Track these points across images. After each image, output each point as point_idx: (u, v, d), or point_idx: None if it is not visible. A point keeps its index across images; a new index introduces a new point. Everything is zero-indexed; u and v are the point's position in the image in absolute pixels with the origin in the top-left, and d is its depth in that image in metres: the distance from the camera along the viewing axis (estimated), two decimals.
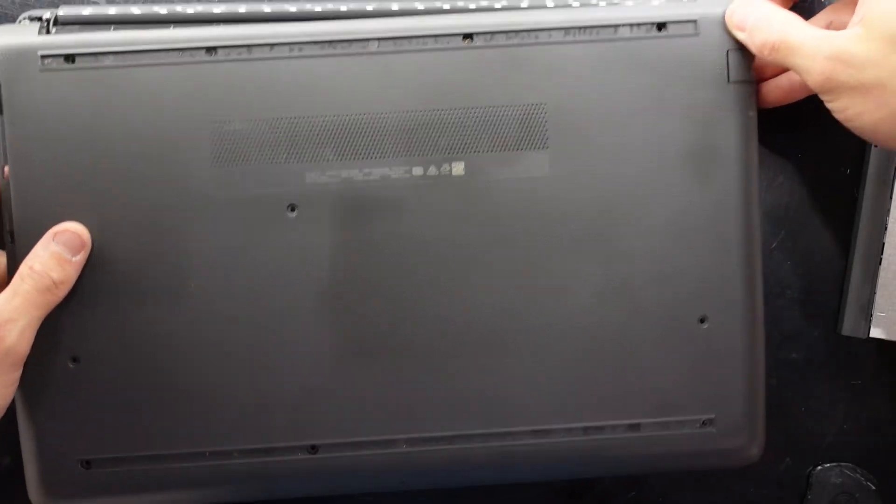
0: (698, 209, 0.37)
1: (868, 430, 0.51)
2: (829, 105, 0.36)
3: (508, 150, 0.37)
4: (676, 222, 0.37)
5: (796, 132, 0.49)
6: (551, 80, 0.36)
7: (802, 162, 0.50)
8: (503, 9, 0.38)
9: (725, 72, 0.37)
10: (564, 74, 0.36)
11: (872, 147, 0.48)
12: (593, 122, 0.37)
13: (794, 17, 0.36)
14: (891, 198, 0.47)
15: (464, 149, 0.36)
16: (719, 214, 0.37)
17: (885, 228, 0.47)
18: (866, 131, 0.36)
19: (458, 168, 0.36)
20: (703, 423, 0.38)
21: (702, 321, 0.38)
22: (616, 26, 0.36)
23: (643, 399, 0.37)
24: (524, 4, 0.38)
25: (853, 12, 0.36)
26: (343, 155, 0.36)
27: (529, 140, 0.37)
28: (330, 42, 0.36)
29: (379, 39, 0.36)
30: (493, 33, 0.36)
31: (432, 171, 0.36)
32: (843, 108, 0.35)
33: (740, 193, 0.38)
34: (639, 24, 0.36)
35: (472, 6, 0.38)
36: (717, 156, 0.37)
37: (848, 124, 0.36)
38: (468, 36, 0.36)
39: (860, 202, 0.48)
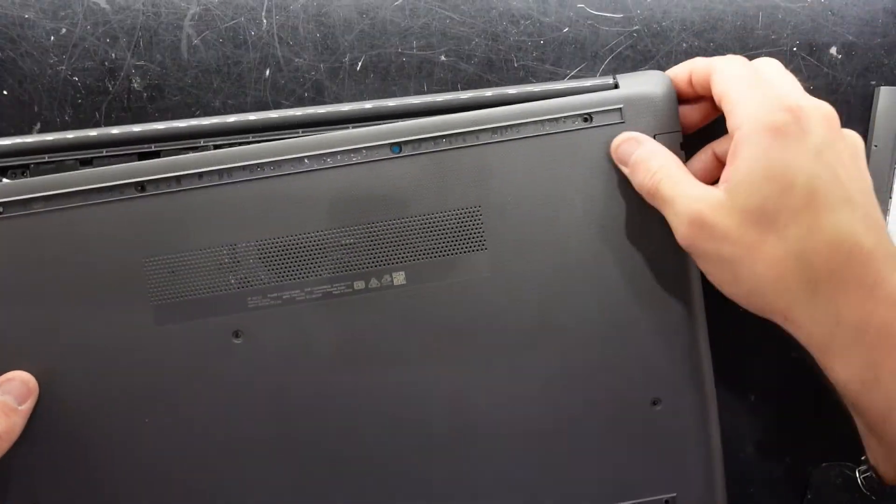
0: (641, 294, 0.37)
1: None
2: (703, 267, 0.35)
3: (447, 255, 0.37)
4: (620, 309, 0.38)
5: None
6: (483, 182, 0.36)
7: None
8: (429, 108, 0.38)
9: None
10: (496, 174, 0.36)
11: (872, 147, 0.48)
12: (529, 218, 0.37)
13: (673, 163, 0.35)
14: (890, 197, 0.47)
15: (403, 258, 0.36)
16: (663, 297, 0.37)
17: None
18: (734, 298, 0.34)
19: (399, 278, 0.36)
20: (666, 502, 0.38)
21: (654, 403, 0.38)
22: (542, 122, 0.37)
23: (604, 484, 0.38)
24: (443, 98, 0.39)
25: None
26: (283, 276, 0.35)
27: (467, 243, 0.37)
28: (258, 165, 0.36)
29: (308, 157, 0.36)
30: (420, 141, 0.36)
31: (374, 283, 0.36)
32: (707, 273, 0.34)
33: (682, 274, 0.38)
34: (565, 118, 0.37)
35: (397, 104, 0.39)
36: (655, 239, 0.37)
37: (715, 286, 0.34)
38: (396, 146, 0.36)
39: None
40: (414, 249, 0.36)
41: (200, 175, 0.35)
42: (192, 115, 0.50)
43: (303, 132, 0.38)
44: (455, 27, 0.50)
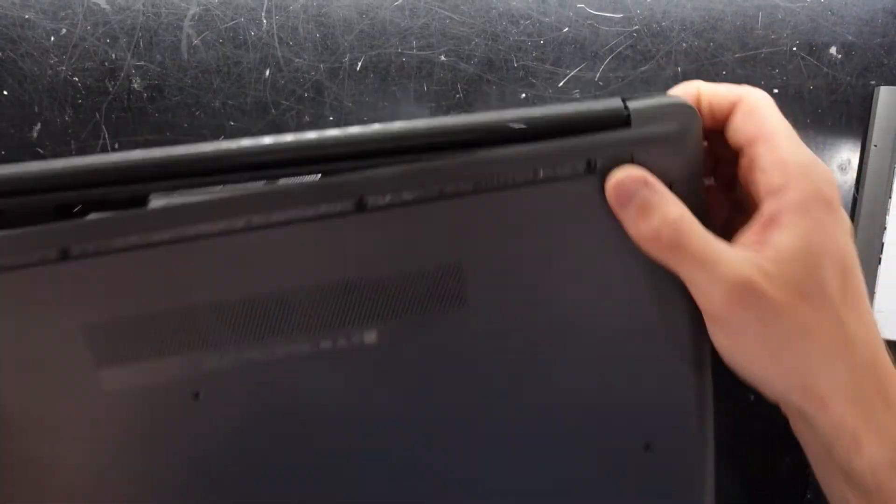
0: (640, 340, 0.34)
1: None
2: (712, 334, 0.30)
3: (422, 311, 0.33)
4: (615, 361, 0.34)
5: (795, 131, 0.50)
6: (464, 238, 0.31)
7: None
8: (399, 144, 0.31)
9: None
10: (479, 229, 0.31)
11: (872, 147, 0.48)
12: (517, 275, 0.32)
13: (689, 215, 0.29)
14: (889, 197, 0.47)
15: (374, 317, 0.32)
16: (665, 345, 0.34)
17: (885, 228, 0.47)
18: (752, 378, 0.30)
19: (370, 336, 0.33)
20: None
21: (647, 448, 0.36)
22: (535, 169, 0.30)
23: None
24: (414, 130, 0.31)
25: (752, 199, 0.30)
26: (244, 336, 0.32)
27: (444, 299, 0.33)
28: (198, 232, 0.32)
29: (262, 213, 0.31)
30: (389, 194, 0.30)
31: (342, 342, 0.33)
32: (731, 347, 0.29)
33: (687, 322, 0.33)
34: (562, 164, 0.30)
35: (360, 137, 0.31)
36: (659, 300, 0.33)
37: (728, 360, 0.30)
38: (361, 203, 0.31)
39: (859, 202, 0.48)
40: (386, 308, 0.32)
41: (131, 238, 0.31)
42: (192, 115, 0.50)
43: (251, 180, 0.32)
44: (455, 27, 0.50)
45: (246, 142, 0.31)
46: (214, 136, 0.50)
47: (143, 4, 0.48)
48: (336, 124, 0.51)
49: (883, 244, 0.47)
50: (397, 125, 0.30)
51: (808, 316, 0.28)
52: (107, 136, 0.50)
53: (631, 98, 0.30)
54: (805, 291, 0.28)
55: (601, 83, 0.51)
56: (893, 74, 0.51)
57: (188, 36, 0.49)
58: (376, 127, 0.30)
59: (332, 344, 0.32)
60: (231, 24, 0.49)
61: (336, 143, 0.30)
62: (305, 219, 0.31)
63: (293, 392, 0.32)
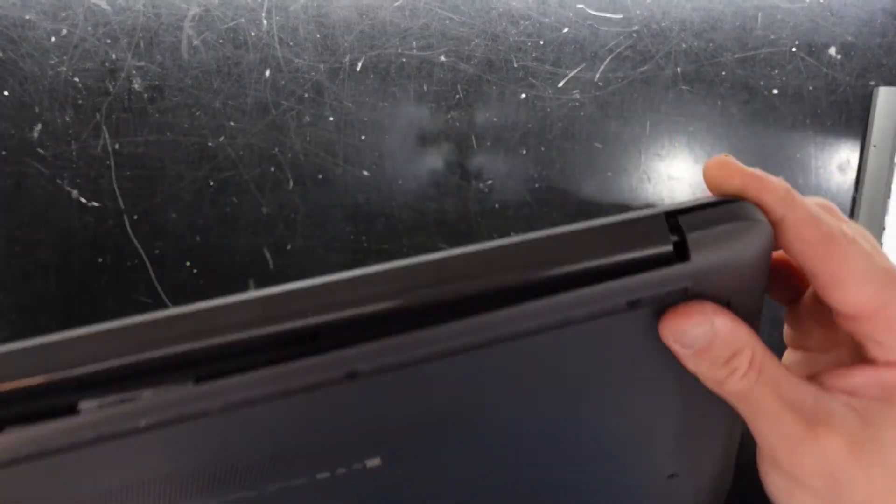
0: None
1: None
2: (764, 474, 0.26)
3: (428, 441, 0.29)
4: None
5: (795, 132, 0.50)
6: (473, 390, 0.27)
7: (801, 162, 0.50)
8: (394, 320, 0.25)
9: None
10: (493, 379, 0.27)
11: (871, 147, 0.48)
12: (531, 416, 0.28)
13: (767, 349, 0.25)
14: (888, 198, 0.47)
15: (376, 449, 0.29)
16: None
17: (884, 228, 0.47)
18: None
19: (374, 462, 0.30)
20: None
21: (671, 476, 0.31)
22: (566, 318, 0.25)
23: None
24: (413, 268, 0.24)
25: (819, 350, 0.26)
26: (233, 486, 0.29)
27: (454, 433, 0.29)
28: (179, 416, 0.25)
29: (244, 396, 0.26)
30: (383, 362, 0.26)
31: (340, 470, 0.30)
32: (788, 496, 0.25)
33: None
34: (598, 308, 0.24)
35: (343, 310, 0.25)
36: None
37: (776, 501, 0.27)
38: (352, 375, 0.26)
39: (858, 202, 0.49)
40: (388, 437, 0.29)
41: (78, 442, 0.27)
42: (192, 115, 0.50)
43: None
44: (455, 28, 0.50)
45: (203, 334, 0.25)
46: (215, 137, 0.50)
47: (144, 5, 0.49)
48: (336, 125, 0.51)
49: (882, 244, 0.47)
50: (401, 292, 0.24)
51: (882, 486, 0.23)
52: (107, 136, 0.50)
53: (685, 210, 0.23)
54: (886, 462, 0.23)
55: (601, 83, 0.51)
56: (893, 75, 0.51)
57: (188, 36, 0.49)
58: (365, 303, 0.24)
59: (330, 473, 0.29)
60: (231, 24, 0.49)
61: (319, 324, 0.24)
62: (287, 393, 0.26)
63: None
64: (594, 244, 0.23)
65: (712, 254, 0.23)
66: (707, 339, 0.24)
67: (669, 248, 0.23)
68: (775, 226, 0.23)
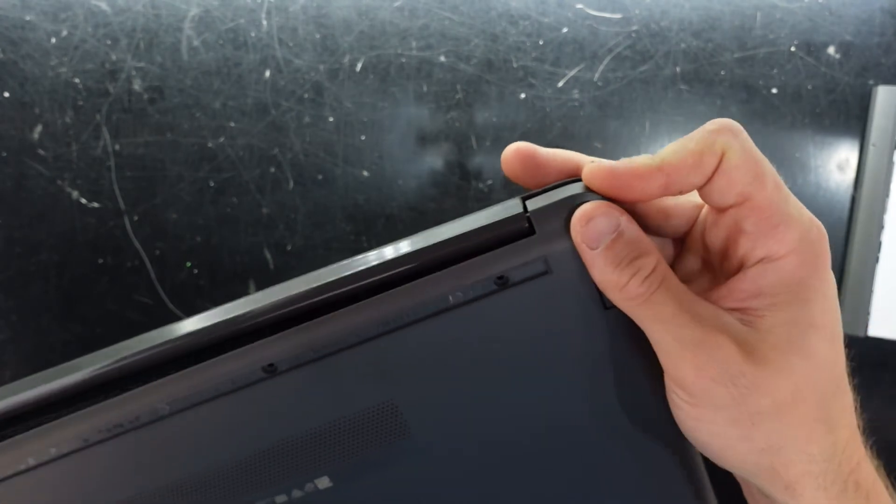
0: (603, 429, 0.32)
1: (867, 430, 0.51)
2: (671, 399, 0.26)
3: (370, 450, 0.32)
4: (582, 449, 0.32)
5: (794, 131, 0.50)
6: (388, 376, 0.30)
7: (800, 161, 0.50)
8: (299, 307, 0.29)
9: (599, 299, 0.27)
10: (401, 365, 0.29)
11: (870, 146, 0.48)
12: (455, 399, 0.31)
13: (665, 265, 0.26)
14: (888, 196, 0.47)
15: (322, 464, 0.32)
16: (634, 424, 0.32)
17: (882, 227, 0.47)
18: (712, 452, 0.27)
19: (323, 482, 0.32)
20: None
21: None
22: (445, 297, 0.27)
23: None
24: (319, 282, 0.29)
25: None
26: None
27: (388, 435, 0.31)
28: (116, 427, 0.30)
29: (169, 403, 0.30)
30: (297, 358, 0.29)
31: (296, 493, 0.32)
32: (692, 420, 0.26)
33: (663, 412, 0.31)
34: (472, 286, 0.27)
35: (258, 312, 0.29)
36: (616, 388, 0.30)
37: (688, 432, 0.27)
38: (270, 367, 0.29)
39: (857, 201, 0.49)
40: (331, 455, 0.32)
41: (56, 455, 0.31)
42: (192, 116, 0.50)
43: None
44: (454, 28, 0.50)
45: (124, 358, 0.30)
46: (215, 137, 0.50)
47: (144, 6, 0.49)
48: (336, 125, 0.51)
49: (881, 243, 0.47)
50: (288, 290, 0.29)
51: (787, 393, 0.24)
52: (107, 137, 0.50)
53: (531, 196, 0.27)
54: (789, 367, 0.24)
55: (600, 83, 0.51)
56: (891, 74, 0.51)
57: (188, 37, 0.49)
58: (273, 296, 0.29)
59: (286, 497, 0.31)
60: (231, 25, 0.49)
61: (227, 323, 0.28)
62: (217, 395, 0.29)
63: None
64: (458, 231, 0.27)
65: (552, 225, 0.26)
66: (613, 232, 0.25)
67: (523, 224, 0.26)
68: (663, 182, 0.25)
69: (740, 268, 0.26)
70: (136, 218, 0.51)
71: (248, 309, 0.29)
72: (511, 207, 0.27)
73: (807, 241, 0.25)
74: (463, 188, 0.52)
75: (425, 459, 0.31)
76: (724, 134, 0.24)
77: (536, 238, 0.26)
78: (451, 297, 0.27)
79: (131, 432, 0.30)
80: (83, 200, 0.50)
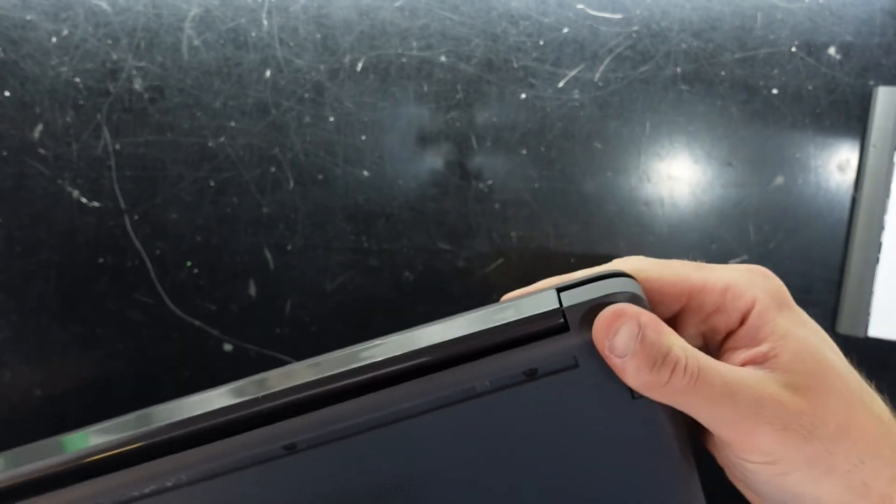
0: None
1: None
2: (741, 467, 0.27)
3: None
4: None
5: (794, 132, 0.50)
6: (407, 457, 0.30)
7: (801, 162, 0.50)
8: (327, 392, 0.29)
9: (626, 390, 0.28)
10: (422, 449, 0.29)
11: (871, 147, 0.48)
12: (479, 482, 0.31)
13: (695, 350, 0.26)
14: (888, 197, 0.47)
15: None
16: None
17: (883, 228, 0.47)
18: (783, 501, 0.27)
19: None
20: None
21: None
22: (472, 387, 0.28)
23: None
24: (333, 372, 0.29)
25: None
26: None
27: None
28: (132, 494, 0.31)
29: (187, 475, 0.30)
30: (318, 438, 0.29)
31: None
32: (769, 477, 0.26)
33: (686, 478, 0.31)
34: (501, 378, 0.28)
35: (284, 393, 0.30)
36: (643, 473, 0.31)
37: (763, 490, 0.27)
38: (290, 446, 0.29)
39: (858, 202, 0.49)
40: None
41: None
42: (193, 115, 0.50)
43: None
44: (455, 28, 0.50)
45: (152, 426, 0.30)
46: (215, 137, 0.50)
47: (144, 6, 0.49)
48: (336, 125, 0.51)
49: (881, 244, 0.47)
50: (317, 370, 0.29)
51: (842, 413, 0.25)
52: (108, 136, 0.50)
53: (567, 288, 0.27)
54: (829, 390, 0.25)
55: (601, 83, 0.51)
56: (892, 74, 0.51)
57: (189, 37, 0.49)
58: (301, 374, 0.29)
59: None
60: (231, 25, 0.49)
61: (253, 403, 0.28)
62: (235, 469, 0.30)
63: None
64: (494, 324, 0.27)
65: (589, 323, 0.26)
66: (637, 338, 0.25)
67: (558, 320, 0.26)
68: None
69: (728, 333, 0.28)
70: (136, 217, 0.51)
71: (275, 388, 0.29)
72: (546, 300, 0.26)
73: (762, 288, 0.28)
74: (463, 188, 0.52)
75: None
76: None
77: (570, 335, 0.26)
78: (477, 387, 0.27)
79: (147, 499, 0.30)
80: (83, 200, 0.50)
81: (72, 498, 0.31)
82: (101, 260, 0.51)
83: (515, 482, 0.30)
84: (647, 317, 0.25)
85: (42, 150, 0.50)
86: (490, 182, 0.52)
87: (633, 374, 0.25)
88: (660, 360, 0.25)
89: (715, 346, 0.28)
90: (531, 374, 0.27)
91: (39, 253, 0.51)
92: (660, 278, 0.28)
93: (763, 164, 0.50)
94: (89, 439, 0.31)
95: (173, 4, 0.49)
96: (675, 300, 0.28)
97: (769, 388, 0.25)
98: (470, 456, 0.30)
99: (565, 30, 0.50)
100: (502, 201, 0.52)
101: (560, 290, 0.27)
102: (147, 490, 0.30)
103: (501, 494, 0.30)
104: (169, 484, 0.30)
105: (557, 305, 0.26)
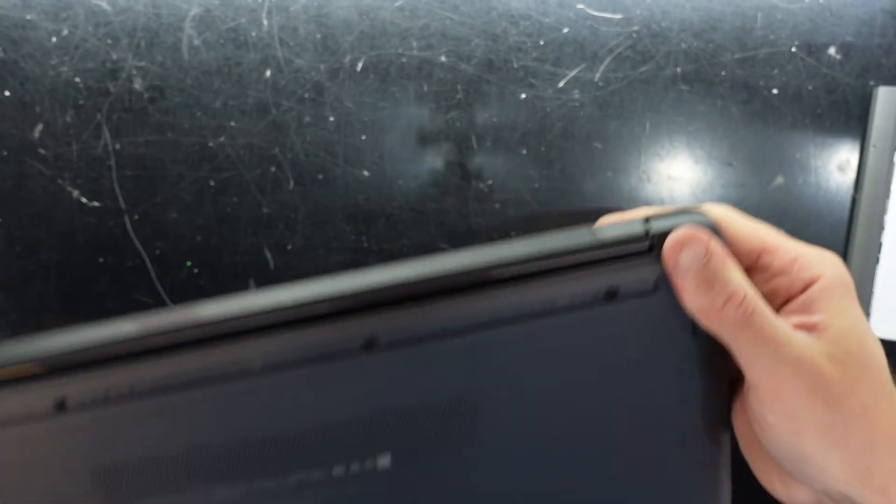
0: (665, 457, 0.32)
1: None
2: (762, 416, 0.28)
3: (437, 440, 0.32)
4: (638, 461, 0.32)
5: (794, 132, 0.50)
6: (477, 373, 0.30)
7: (801, 162, 0.50)
8: (408, 295, 0.29)
9: (689, 324, 0.29)
10: (490, 365, 0.30)
11: (871, 147, 0.48)
12: (533, 407, 0.31)
13: (754, 292, 0.28)
14: (888, 198, 0.47)
15: (386, 444, 0.32)
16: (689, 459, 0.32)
17: (883, 228, 0.47)
18: (803, 468, 0.28)
19: (384, 461, 0.33)
20: None
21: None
22: (553, 300, 0.28)
23: None
24: (418, 272, 0.29)
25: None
26: (254, 471, 0.32)
27: (459, 430, 0.32)
28: (205, 378, 0.31)
29: (263, 361, 0.30)
30: (396, 336, 0.30)
31: (355, 468, 0.33)
32: (785, 434, 0.27)
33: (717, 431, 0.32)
34: (582, 295, 0.28)
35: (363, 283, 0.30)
36: (687, 410, 0.31)
37: (777, 449, 0.28)
38: (369, 343, 0.30)
39: (858, 202, 0.49)
40: (398, 437, 0.32)
41: (131, 390, 0.31)
42: (193, 115, 0.50)
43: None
44: (455, 28, 0.50)
45: (246, 299, 0.29)
46: (215, 137, 0.50)
47: (145, 5, 0.49)
48: (336, 125, 0.51)
49: (881, 244, 0.47)
50: (407, 268, 0.29)
51: (868, 397, 0.26)
52: (108, 136, 0.50)
53: (654, 217, 0.28)
54: (864, 371, 0.27)
55: (601, 83, 0.51)
56: (892, 75, 0.51)
57: (189, 37, 0.49)
58: (386, 272, 0.29)
59: (344, 469, 0.32)
60: (232, 24, 0.49)
61: (341, 294, 0.28)
62: (310, 362, 0.30)
63: None
64: (579, 242, 0.28)
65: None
66: (701, 259, 0.27)
67: (645, 244, 0.28)
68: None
69: (787, 299, 0.29)
70: (136, 217, 0.51)
71: (360, 283, 0.29)
72: (634, 225, 0.28)
73: (831, 267, 0.29)
74: (463, 188, 0.52)
75: (488, 456, 0.32)
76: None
77: (652, 258, 0.28)
78: (558, 303, 0.28)
79: (217, 384, 0.30)
80: (83, 200, 0.50)
81: (140, 371, 0.31)
82: (101, 260, 0.51)
83: (568, 405, 0.31)
84: (716, 245, 0.27)
85: (42, 150, 0.50)
86: (490, 182, 0.52)
87: (691, 293, 0.27)
88: (718, 285, 0.27)
89: (772, 308, 0.29)
90: (611, 295, 0.28)
91: (39, 253, 0.51)
92: (740, 229, 0.29)
93: (763, 165, 0.50)
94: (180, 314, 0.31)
95: (173, 4, 0.49)
96: (748, 254, 0.29)
97: (810, 352, 0.26)
98: (533, 379, 0.30)
99: (565, 30, 0.50)
100: (502, 201, 0.52)
101: (648, 218, 0.28)
102: (218, 373, 0.30)
103: (553, 416, 0.31)
104: (240, 370, 0.30)
105: (644, 230, 0.27)
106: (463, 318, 0.29)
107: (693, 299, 0.27)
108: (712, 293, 0.27)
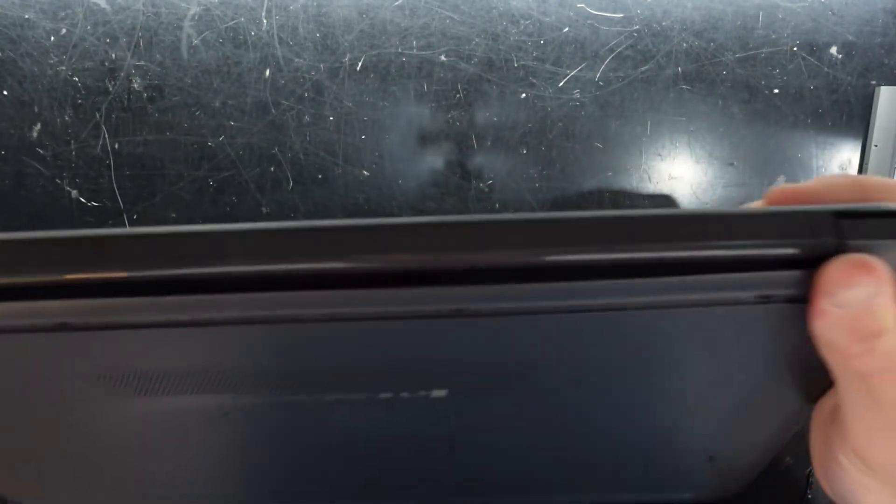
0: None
1: None
2: (854, 472, 0.25)
3: (501, 386, 0.29)
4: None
5: (796, 132, 0.50)
6: (573, 352, 0.27)
7: (802, 162, 0.50)
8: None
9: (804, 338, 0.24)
10: (585, 343, 0.26)
11: (872, 147, 0.48)
12: (615, 386, 0.28)
13: None
14: None
15: (445, 384, 0.29)
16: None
17: None
18: (842, 498, 0.25)
19: (439, 393, 0.29)
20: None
21: (710, 459, 0.33)
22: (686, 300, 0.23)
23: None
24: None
25: None
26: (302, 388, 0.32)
27: (525, 388, 0.29)
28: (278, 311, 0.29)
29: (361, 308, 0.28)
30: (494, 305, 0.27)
31: (405, 394, 0.32)
32: (863, 488, 0.25)
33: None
34: (725, 297, 0.23)
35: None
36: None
37: (844, 494, 0.25)
38: (457, 311, 0.27)
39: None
40: (462, 378, 0.29)
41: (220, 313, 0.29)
42: (192, 115, 0.50)
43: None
44: (455, 27, 0.50)
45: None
46: (214, 136, 0.50)
47: (144, 4, 0.48)
48: (336, 124, 0.51)
49: None
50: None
51: None
52: (107, 135, 0.50)
53: (848, 212, 0.21)
54: None
55: (601, 83, 0.51)
56: (894, 74, 0.51)
57: (188, 36, 0.49)
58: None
59: (392, 395, 0.30)
60: (231, 23, 0.49)
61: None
62: (391, 317, 0.27)
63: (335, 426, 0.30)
64: (740, 244, 0.21)
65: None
66: (866, 302, 0.21)
67: (827, 237, 0.20)
68: None
69: None
70: (135, 217, 0.50)
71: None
72: (821, 222, 0.21)
73: None
74: (463, 188, 0.51)
75: (552, 404, 0.28)
76: None
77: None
78: (692, 299, 0.23)
79: (304, 324, 0.27)
80: (82, 199, 0.50)
81: (217, 300, 0.26)
82: None
83: (645, 393, 0.27)
84: (891, 287, 0.21)
85: (40, 150, 0.49)
86: (490, 182, 0.52)
87: (830, 329, 0.22)
88: (867, 334, 0.21)
89: None
90: (763, 299, 0.22)
91: None
92: None
93: (765, 164, 0.49)
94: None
95: (172, 3, 0.49)
96: None
97: None
98: (623, 359, 0.26)
99: (566, 29, 0.50)
100: (502, 201, 0.52)
101: (839, 214, 0.21)
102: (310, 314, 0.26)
103: (629, 398, 0.28)
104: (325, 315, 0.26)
105: (836, 238, 0.20)
106: (581, 299, 0.23)
107: (828, 332, 0.22)
108: (856, 341, 0.22)
